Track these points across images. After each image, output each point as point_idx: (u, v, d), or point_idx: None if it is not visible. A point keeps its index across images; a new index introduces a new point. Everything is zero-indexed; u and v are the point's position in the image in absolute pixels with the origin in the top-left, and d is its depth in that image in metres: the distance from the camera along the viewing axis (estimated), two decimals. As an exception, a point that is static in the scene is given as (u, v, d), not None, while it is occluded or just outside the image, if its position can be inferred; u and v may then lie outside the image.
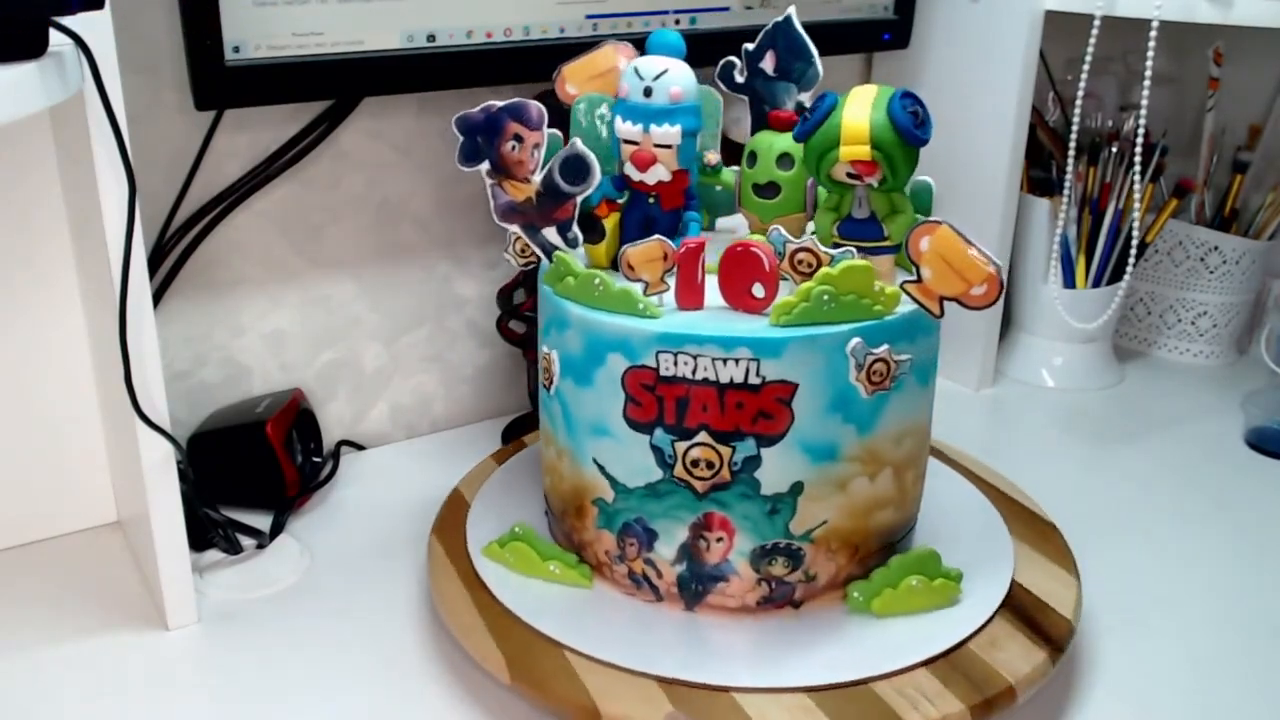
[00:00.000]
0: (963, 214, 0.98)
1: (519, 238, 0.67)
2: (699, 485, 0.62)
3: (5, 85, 0.48)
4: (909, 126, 0.60)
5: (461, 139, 0.65)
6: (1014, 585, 0.67)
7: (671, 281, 0.63)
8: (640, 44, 0.68)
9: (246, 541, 0.78)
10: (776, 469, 0.62)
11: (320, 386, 0.91)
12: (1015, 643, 0.63)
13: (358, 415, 0.93)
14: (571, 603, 0.66)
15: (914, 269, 0.61)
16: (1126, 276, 0.97)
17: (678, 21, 0.88)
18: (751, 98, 0.73)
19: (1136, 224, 0.95)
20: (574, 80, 0.71)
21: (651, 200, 0.68)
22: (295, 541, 0.79)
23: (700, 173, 0.72)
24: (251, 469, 0.81)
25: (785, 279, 0.63)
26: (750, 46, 0.72)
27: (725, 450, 0.61)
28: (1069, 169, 0.99)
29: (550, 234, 0.66)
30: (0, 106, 0.48)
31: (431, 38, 0.79)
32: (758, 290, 0.62)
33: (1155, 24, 0.87)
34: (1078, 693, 0.65)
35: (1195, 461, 0.93)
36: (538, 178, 0.64)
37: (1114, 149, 1.03)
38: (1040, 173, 1.06)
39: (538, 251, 0.67)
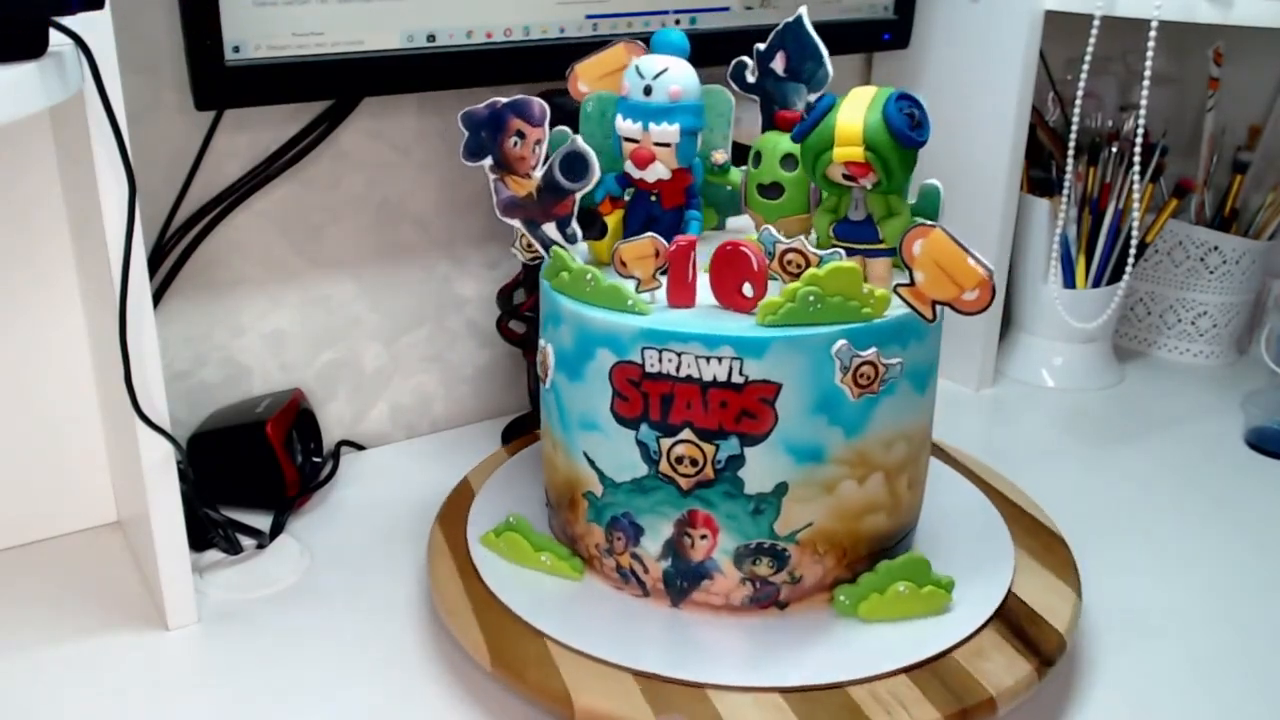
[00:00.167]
0: (963, 214, 0.98)
1: (524, 233, 0.68)
2: (683, 482, 0.62)
3: (5, 85, 0.48)
4: (903, 128, 0.60)
5: (466, 134, 0.65)
6: (1010, 596, 0.66)
7: (664, 279, 0.63)
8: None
9: (246, 541, 0.78)
10: (760, 468, 0.62)
11: (320, 386, 0.91)
12: (1002, 654, 0.62)
13: (358, 415, 0.93)
14: (560, 594, 0.67)
15: (907, 272, 0.61)
16: (1126, 276, 0.97)
17: (678, 21, 0.88)
18: (763, 98, 0.73)
19: (1136, 224, 0.95)
20: (585, 78, 0.72)
21: (653, 198, 0.69)
22: (295, 541, 0.79)
23: (709, 172, 0.72)
24: (251, 469, 0.81)
25: (775, 279, 0.63)
26: (762, 46, 0.72)
27: (709, 448, 0.61)
28: (1069, 169, 0.99)
29: (550, 229, 0.66)
30: (0, 106, 0.48)
31: (431, 38, 0.79)
32: (747, 290, 0.62)
33: (1155, 24, 0.87)
34: (1076, 692, 0.65)
35: (1195, 461, 0.93)
36: (538, 173, 0.65)
37: (1114, 149, 1.03)
38: (1040, 173, 1.06)
39: (537, 246, 0.67)
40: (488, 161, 0.66)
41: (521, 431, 0.93)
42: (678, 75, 0.65)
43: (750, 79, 0.73)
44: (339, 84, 0.78)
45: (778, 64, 0.71)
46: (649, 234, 0.63)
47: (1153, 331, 1.15)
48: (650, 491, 0.64)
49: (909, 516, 0.69)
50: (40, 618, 0.71)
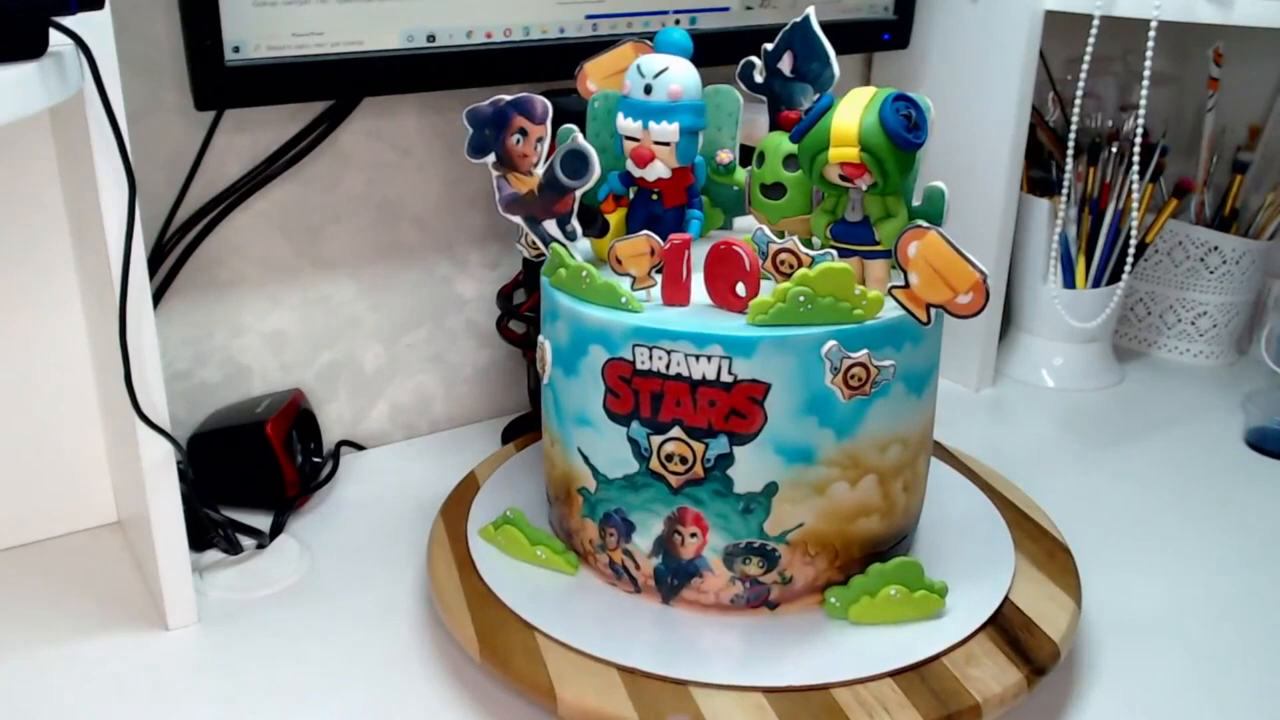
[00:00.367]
0: (963, 214, 0.98)
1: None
2: (673, 480, 0.63)
3: (5, 85, 0.48)
4: (899, 130, 0.60)
5: (470, 131, 0.66)
6: (1006, 602, 0.66)
7: (659, 277, 0.63)
8: None
9: (246, 541, 0.78)
10: (750, 468, 0.62)
11: (320, 386, 0.91)
12: (993, 661, 0.61)
13: (358, 415, 0.93)
14: (553, 587, 0.67)
15: (902, 274, 0.61)
16: (1126, 276, 0.97)
17: (678, 21, 0.88)
18: (770, 98, 0.73)
19: (1136, 224, 0.95)
20: (594, 77, 0.72)
21: (655, 197, 0.69)
22: (295, 541, 0.79)
23: (714, 171, 0.72)
24: (251, 469, 0.81)
25: (769, 278, 0.63)
26: (769, 47, 0.72)
27: (698, 446, 0.62)
28: (1069, 169, 0.99)
29: (550, 226, 0.66)
30: (0, 106, 0.48)
31: (431, 38, 0.79)
32: (740, 289, 0.62)
33: (1155, 24, 0.87)
34: (1076, 692, 0.65)
35: (1195, 461, 0.93)
36: (540, 171, 0.65)
37: (1114, 149, 1.03)
38: (1040, 173, 1.06)
39: (537, 242, 0.68)
40: (491, 158, 0.67)
41: (521, 432, 0.93)
42: (678, 74, 0.66)
43: (758, 79, 0.73)
44: (339, 84, 0.78)
45: (785, 64, 0.71)
46: (644, 232, 0.64)
47: (1153, 331, 1.15)
48: (641, 488, 0.64)
49: (905, 520, 0.68)
50: (40, 618, 0.71)
